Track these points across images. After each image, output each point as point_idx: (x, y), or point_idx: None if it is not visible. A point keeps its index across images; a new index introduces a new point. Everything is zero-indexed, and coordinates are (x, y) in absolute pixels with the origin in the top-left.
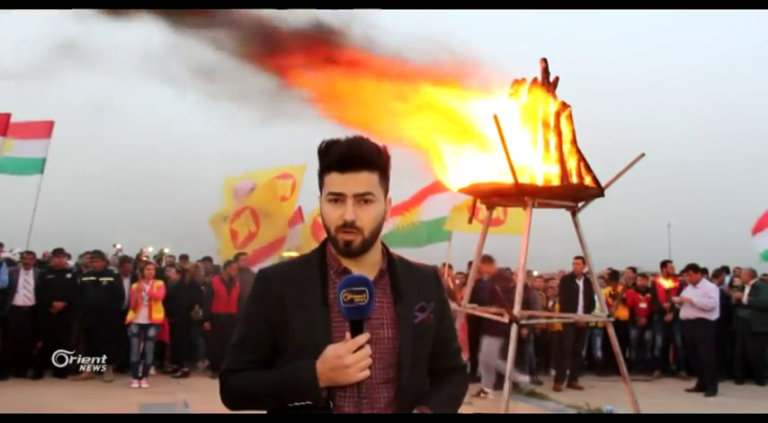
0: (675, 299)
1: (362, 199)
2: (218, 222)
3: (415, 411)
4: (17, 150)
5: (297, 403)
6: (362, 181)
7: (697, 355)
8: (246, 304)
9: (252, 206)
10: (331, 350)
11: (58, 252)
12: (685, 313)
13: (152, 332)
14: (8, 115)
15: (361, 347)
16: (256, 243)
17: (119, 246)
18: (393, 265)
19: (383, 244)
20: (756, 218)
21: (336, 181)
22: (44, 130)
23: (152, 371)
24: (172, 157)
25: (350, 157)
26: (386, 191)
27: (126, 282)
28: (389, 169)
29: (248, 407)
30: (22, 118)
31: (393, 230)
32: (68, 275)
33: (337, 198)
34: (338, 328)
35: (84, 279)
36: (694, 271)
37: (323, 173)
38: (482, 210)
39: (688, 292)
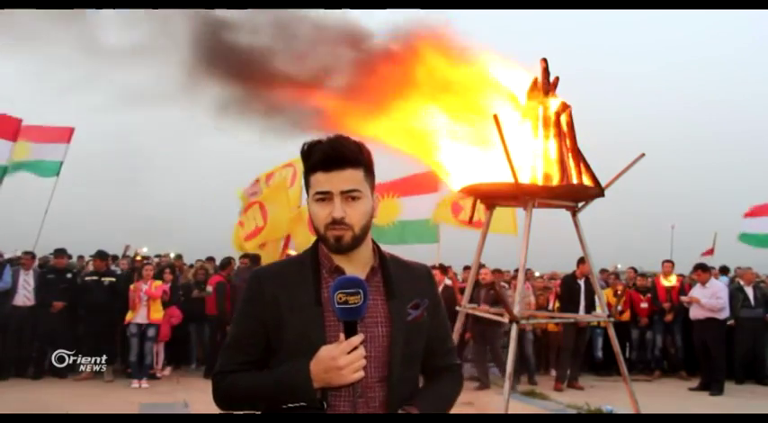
0: (684, 298)
1: (349, 196)
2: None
3: (400, 411)
4: (35, 153)
5: (291, 404)
6: (348, 178)
7: (707, 355)
8: (240, 305)
9: (262, 201)
10: (325, 351)
11: (59, 252)
12: (695, 313)
13: (151, 332)
14: (19, 120)
15: (355, 349)
16: (262, 238)
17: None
18: (385, 262)
19: (374, 242)
20: (757, 204)
21: (322, 180)
22: (64, 135)
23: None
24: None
25: (333, 155)
26: (372, 187)
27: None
28: (373, 165)
29: (241, 408)
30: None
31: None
32: (69, 275)
33: (324, 197)
34: (332, 327)
35: (87, 279)
36: (703, 270)
37: (308, 174)
38: (480, 210)
39: (696, 292)
